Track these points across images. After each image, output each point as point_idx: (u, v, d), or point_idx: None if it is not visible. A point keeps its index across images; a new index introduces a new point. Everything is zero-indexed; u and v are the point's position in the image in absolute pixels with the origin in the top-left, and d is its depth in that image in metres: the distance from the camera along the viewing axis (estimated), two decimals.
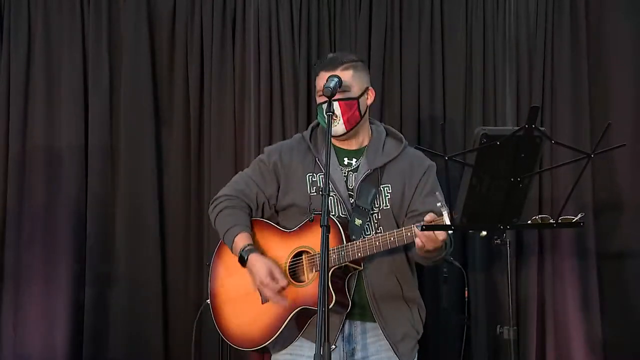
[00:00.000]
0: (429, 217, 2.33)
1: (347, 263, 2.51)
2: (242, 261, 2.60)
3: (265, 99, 3.64)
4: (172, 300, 3.65)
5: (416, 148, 2.57)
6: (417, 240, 2.39)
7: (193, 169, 3.68)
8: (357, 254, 2.49)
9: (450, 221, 2.16)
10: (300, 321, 2.58)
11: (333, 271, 2.48)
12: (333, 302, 2.46)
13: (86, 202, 3.63)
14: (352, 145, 2.69)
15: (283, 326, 2.57)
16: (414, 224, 2.42)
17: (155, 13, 3.71)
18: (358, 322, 2.60)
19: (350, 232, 2.55)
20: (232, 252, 2.65)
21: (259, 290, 2.60)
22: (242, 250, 2.60)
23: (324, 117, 2.51)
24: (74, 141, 3.64)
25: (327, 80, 2.52)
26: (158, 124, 3.70)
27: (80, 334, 3.59)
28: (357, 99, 2.62)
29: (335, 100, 2.54)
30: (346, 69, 2.62)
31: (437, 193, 2.29)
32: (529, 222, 2.08)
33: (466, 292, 3.38)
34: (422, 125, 3.65)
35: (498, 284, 3.55)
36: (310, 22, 3.67)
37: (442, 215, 2.21)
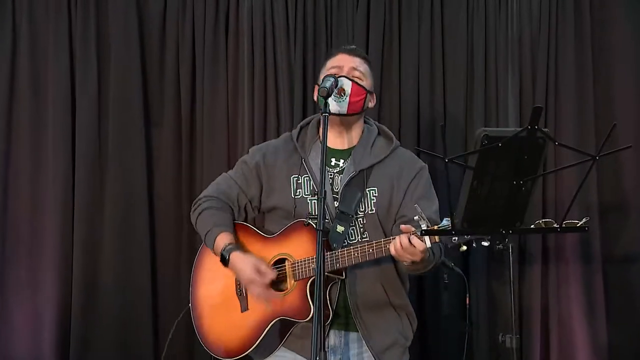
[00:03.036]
0: (403, 227, 2.36)
1: (327, 274, 2.50)
2: (224, 261, 2.59)
3: (259, 98, 3.64)
4: (162, 304, 3.65)
5: (416, 150, 2.58)
6: (392, 252, 2.39)
7: (184, 171, 3.68)
8: (336, 264, 2.49)
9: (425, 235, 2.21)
10: (281, 331, 2.58)
11: (312, 281, 2.48)
12: (311, 312, 2.46)
13: (73, 205, 3.63)
14: (341, 143, 2.69)
15: (262, 336, 2.57)
16: (392, 237, 2.40)
17: (145, 10, 3.71)
18: (342, 332, 2.60)
19: (331, 240, 2.54)
20: (214, 253, 2.65)
21: (246, 289, 2.60)
22: (224, 249, 2.60)
23: (328, 88, 2.48)
24: (61, 143, 3.63)
25: (323, 80, 2.54)
26: (148, 125, 3.70)
27: (68, 340, 3.58)
28: (367, 91, 2.65)
29: (350, 79, 2.58)
30: (364, 62, 2.69)
31: (416, 205, 2.30)
32: (532, 226, 2.09)
33: (467, 298, 3.38)
34: (422, 126, 3.65)
35: (500, 290, 3.56)
36: (306, 19, 3.67)
37: (418, 228, 2.25)
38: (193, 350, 3.53)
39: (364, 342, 2.58)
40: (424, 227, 2.24)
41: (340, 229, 2.56)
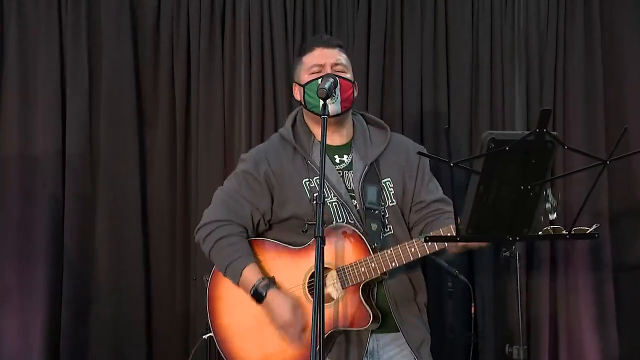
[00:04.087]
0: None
1: (379, 275, 2.49)
2: (259, 298, 2.52)
3: (256, 100, 3.64)
4: (156, 312, 3.65)
5: (419, 154, 2.56)
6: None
7: (179, 175, 3.68)
8: (392, 264, 2.47)
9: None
10: (326, 344, 2.52)
11: (364, 286, 2.49)
12: (371, 317, 2.47)
13: (63, 211, 3.62)
14: (337, 140, 2.67)
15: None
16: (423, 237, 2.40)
17: (138, 7, 3.71)
18: (380, 335, 2.60)
19: (370, 241, 2.52)
20: (240, 287, 2.57)
21: (281, 330, 2.54)
22: (258, 285, 2.52)
23: (316, 96, 2.47)
24: (50, 146, 3.63)
25: (322, 80, 2.53)
26: (141, 127, 3.70)
27: (58, 348, 3.58)
28: (353, 83, 2.64)
29: (335, 76, 2.56)
30: (342, 51, 2.67)
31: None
32: (540, 233, 2.08)
33: (473, 307, 3.38)
34: (425, 129, 3.65)
35: (507, 299, 3.56)
36: (305, 19, 3.67)
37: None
38: None
39: (403, 339, 2.58)
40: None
41: (374, 226, 2.56)
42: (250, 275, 2.55)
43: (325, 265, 2.48)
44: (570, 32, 3.64)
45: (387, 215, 2.60)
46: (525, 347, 2.62)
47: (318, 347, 2.15)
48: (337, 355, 2.57)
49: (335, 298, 2.52)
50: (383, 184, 2.62)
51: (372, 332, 2.57)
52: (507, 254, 2.59)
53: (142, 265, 3.63)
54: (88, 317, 3.61)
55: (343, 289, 2.51)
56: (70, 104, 3.66)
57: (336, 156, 2.65)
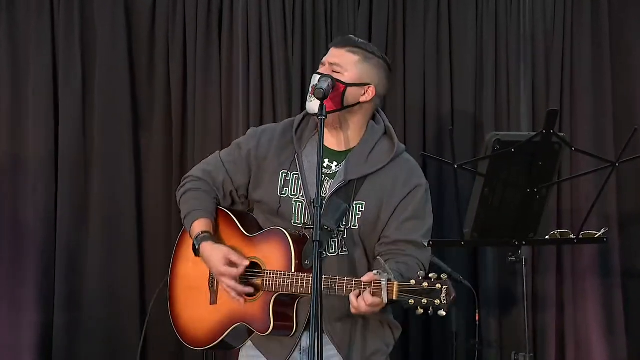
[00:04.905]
0: (366, 277, 2.37)
1: (292, 293, 2.50)
2: (195, 250, 2.62)
3: (255, 101, 3.63)
4: (152, 316, 3.63)
5: (422, 155, 2.54)
6: (352, 310, 2.42)
7: (175, 177, 3.65)
8: (300, 289, 2.47)
9: (388, 291, 2.28)
10: (243, 334, 2.61)
11: (276, 298, 2.50)
12: (270, 328, 2.49)
13: (56, 215, 3.62)
14: (334, 144, 2.65)
15: (223, 337, 2.61)
16: (354, 280, 2.40)
17: (133, 6, 3.70)
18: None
19: (304, 255, 2.51)
20: (190, 238, 2.66)
21: (217, 280, 2.60)
22: (196, 237, 2.61)
23: (325, 89, 2.47)
24: (42, 148, 3.62)
25: (319, 81, 2.52)
26: (136, 128, 3.69)
27: (50, 356, 3.57)
28: (346, 85, 2.58)
29: (323, 75, 2.54)
30: (353, 52, 2.61)
31: (378, 257, 2.34)
32: (547, 237, 2.09)
33: (477, 314, 3.37)
34: (428, 131, 3.65)
35: (512, 305, 3.54)
36: (304, 17, 3.66)
37: (380, 283, 2.30)
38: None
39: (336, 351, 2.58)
40: (383, 280, 2.30)
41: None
42: (197, 227, 2.62)
43: (258, 261, 2.57)
44: (577, 31, 3.63)
45: (346, 237, 2.57)
46: (531, 354, 2.62)
47: (317, 346, 2.16)
48: (262, 347, 2.61)
49: (255, 296, 2.56)
50: (353, 205, 2.57)
51: (309, 330, 2.53)
52: (513, 258, 2.60)
53: (136, 271, 3.62)
54: (80, 322, 3.61)
55: (262, 291, 2.55)
56: (63, 104, 3.66)
57: (326, 160, 2.63)
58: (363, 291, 2.37)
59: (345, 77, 2.58)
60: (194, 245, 2.62)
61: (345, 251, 2.58)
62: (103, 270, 3.62)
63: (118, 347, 3.60)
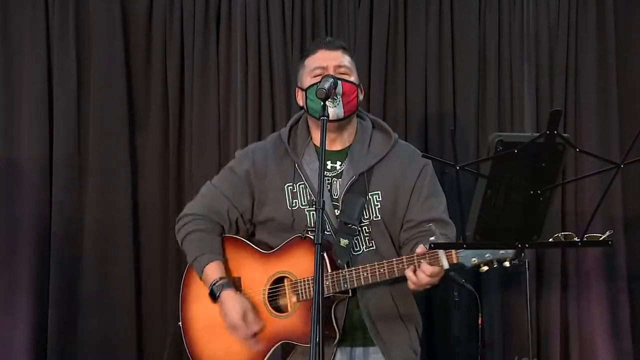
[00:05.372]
0: (420, 249, 2.37)
1: (333, 294, 2.51)
2: (214, 296, 2.61)
3: (253, 101, 3.64)
4: (147, 323, 3.65)
5: (423, 157, 2.56)
6: (411, 286, 2.42)
7: (172, 179, 3.67)
8: (344, 285, 2.49)
9: (447, 256, 2.27)
10: (283, 354, 2.61)
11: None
12: None
13: (50, 218, 3.61)
14: (335, 145, 2.68)
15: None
16: (405, 257, 2.42)
17: (129, 4, 3.70)
18: (348, 349, 2.61)
19: (336, 256, 2.53)
20: (202, 282, 2.66)
21: (230, 330, 2.60)
22: (214, 284, 2.61)
23: (317, 99, 2.48)
24: (36, 149, 3.62)
25: (321, 80, 2.53)
26: (132, 131, 3.69)
27: (44, 358, 3.57)
28: (357, 86, 2.64)
29: (338, 79, 2.55)
30: (345, 53, 2.68)
31: (430, 225, 2.31)
32: (551, 240, 2.08)
33: (480, 318, 3.37)
34: (430, 131, 3.65)
35: (516, 309, 3.55)
36: (304, 15, 3.66)
37: (436, 252, 2.30)
38: None
39: (380, 355, 2.59)
40: (442, 253, 2.30)
41: (344, 242, 2.56)
42: (211, 273, 2.63)
43: (285, 275, 2.58)
44: (582, 29, 3.63)
45: (371, 230, 2.60)
46: (535, 359, 2.63)
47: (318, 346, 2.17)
48: None
49: (289, 310, 2.57)
50: (370, 197, 2.60)
51: (343, 346, 2.59)
52: (516, 261, 2.59)
53: (132, 275, 3.62)
54: (76, 327, 3.61)
55: (298, 302, 2.55)
56: (58, 106, 3.66)
57: (329, 162, 2.65)
58: (419, 264, 2.37)
59: (353, 79, 2.64)
60: (212, 292, 2.61)
61: (372, 246, 2.60)
62: (98, 272, 3.62)
63: (113, 348, 3.60)
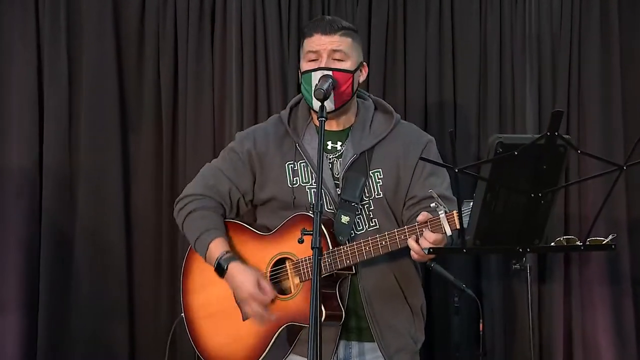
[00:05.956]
0: (421, 217, 2.37)
1: (335, 271, 2.52)
2: (221, 271, 2.60)
3: (248, 100, 3.63)
4: (140, 327, 3.66)
5: (421, 159, 2.57)
6: (414, 256, 2.42)
7: (165, 181, 3.67)
8: (346, 261, 2.49)
9: (449, 222, 2.28)
10: (289, 337, 2.60)
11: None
12: (324, 316, 2.46)
13: (40, 222, 3.61)
14: (336, 125, 2.69)
15: (270, 345, 2.59)
16: (407, 227, 2.42)
17: (121, 2, 3.69)
18: (354, 343, 2.62)
19: (337, 232, 2.55)
20: (206, 261, 2.66)
21: (240, 304, 2.61)
22: (220, 258, 2.60)
23: (312, 88, 2.50)
24: (26, 150, 3.61)
25: (319, 81, 2.54)
26: (125, 132, 3.68)
27: None
28: (353, 72, 2.63)
29: (329, 69, 2.56)
30: (345, 35, 2.65)
31: (430, 191, 2.32)
32: (553, 244, 2.08)
33: (481, 324, 3.36)
34: (429, 130, 3.61)
35: (517, 314, 3.55)
36: (300, 13, 3.66)
37: (437, 216, 2.29)
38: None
39: (379, 352, 2.60)
40: (441, 213, 2.29)
41: (345, 219, 2.57)
42: (216, 248, 2.62)
43: (287, 256, 2.59)
44: (585, 30, 3.63)
45: (372, 208, 2.61)
46: None
47: (315, 347, 2.17)
48: (304, 352, 2.55)
49: (293, 292, 2.58)
50: (371, 175, 2.62)
51: (348, 339, 2.60)
52: (517, 266, 2.59)
53: (125, 276, 3.62)
54: (68, 328, 3.61)
55: (301, 282, 2.56)
56: (48, 106, 3.65)
57: (330, 142, 2.67)
58: (421, 233, 2.37)
59: (349, 64, 2.63)
60: (220, 266, 2.60)
61: (374, 225, 2.61)
62: (90, 273, 3.61)
63: (105, 349, 3.59)
